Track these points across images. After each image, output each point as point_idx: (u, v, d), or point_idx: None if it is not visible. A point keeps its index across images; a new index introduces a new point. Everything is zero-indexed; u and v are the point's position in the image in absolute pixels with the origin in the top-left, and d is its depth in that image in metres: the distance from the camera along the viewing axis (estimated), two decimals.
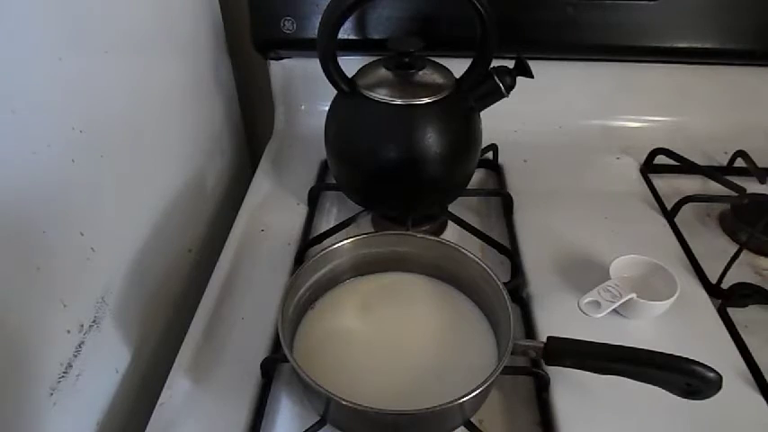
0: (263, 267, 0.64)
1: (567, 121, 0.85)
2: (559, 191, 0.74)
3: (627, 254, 0.60)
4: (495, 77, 0.60)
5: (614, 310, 0.56)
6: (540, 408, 0.52)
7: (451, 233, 0.70)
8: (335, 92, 0.63)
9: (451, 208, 0.69)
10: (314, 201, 0.73)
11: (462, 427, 0.48)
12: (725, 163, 0.79)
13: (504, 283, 0.52)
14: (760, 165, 0.75)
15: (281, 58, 0.82)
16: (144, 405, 0.53)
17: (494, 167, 0.79)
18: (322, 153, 0.68)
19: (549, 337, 0.48)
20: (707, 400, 0.44)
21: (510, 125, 0.81)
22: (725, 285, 0.61)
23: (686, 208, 0.70)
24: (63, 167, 0.46)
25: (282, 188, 0.75)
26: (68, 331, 0.47)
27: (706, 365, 0.43)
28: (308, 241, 0.66)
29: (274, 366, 0.54)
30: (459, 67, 0.63)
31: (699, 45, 0.77)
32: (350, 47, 0.76)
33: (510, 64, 0.60)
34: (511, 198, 0.71)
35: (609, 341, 0.47)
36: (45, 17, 0.43)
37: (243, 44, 0.82)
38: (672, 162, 0.77)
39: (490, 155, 0.79)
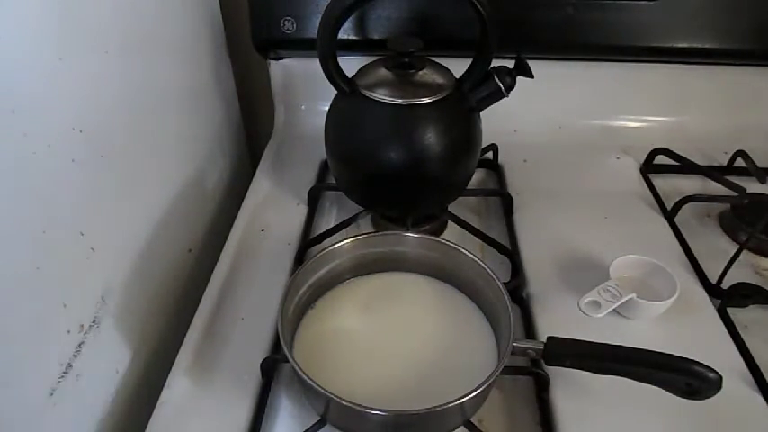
0: (263, 267, 0.64)
1: (567, 121, 0.85)
2: (559, 191, 0.74)
3: (627, 254, 0.60)
4: (495, 77, 0.60)
5: (614, 310, 0.56)
6: (540, 408, 0.52)
7: (451, 233, 0.70)
8: (335, 92, 0.63)
9: (451, 208, 0.69)
10: (314, 201, 0.73)
11: (462, 427, 0.48)
12: (725, 163, 0.79)
13: (504, 283, 0.52)
14: (760, 165, 0.75)
15: (281, 58, 0.82)
16: (144, 405, 0.53)
17: (494, 167, 0.79)
18: (322, 153, 0.68)
19: (549, 337, 0.48)
20: (707, 400, 0.44)
21: (510, 125, 0.81)
22: (725, 285, 0.61)
23: (686, 208, 0.70)
24: (63, 167, 0.46)
25: (282, 188, 0.75)
26: (68, 331, 0.47)
27: (706, 365, 0.43)
28: (308, 241, 0.66)
29: (274, 366, 0.54)
30: (459, 67, 0.63)
31: (699, 45, 0.77)
32: (350, 47, 0.76)
33: (510, 64, 0.60)
34: (511, 198, 0.71)
35: (609, 341, 0.47)
36: (45, 17, 0.43)
37: (243, 44, 0.82)
38: (672, 162, 0.77)
39: (490, 155, 0.79)
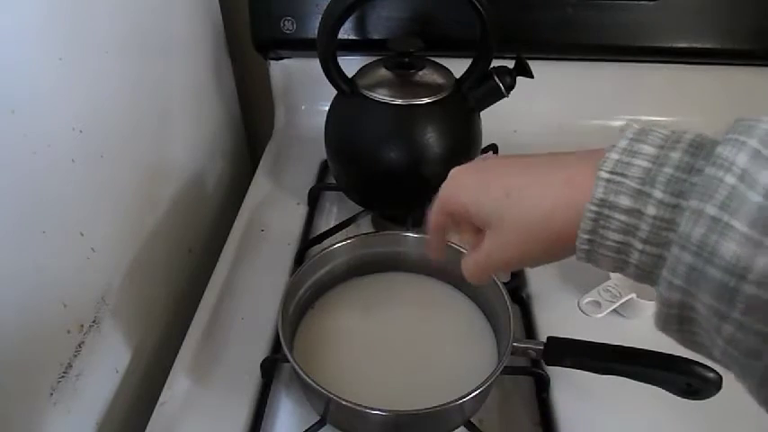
0: (263, 267, 0.64)
1: (566, 121, 0.85)
2: None
3: None
4: (495, 77, 0.60)
5: (614, 310, 0.56)
6: (540, 408, 0.52)
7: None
8: (335, 92, 0.63)
9: None
10: (314, 201, 0.73)
11: (462, 427, 0.48)
12: None
13: (504, 283, 0.52)
14: None
15: (281, 58, 0.82)
16: (144, 405, 0.53)
17: None
18: (322, 153, 0.68)
19: (549, 337, 0.48)
20: (707, 400, 0.44)
21: (510, 125, 0.81)
22: None
23: None
24: (63, 167, 0.46)
25: (282, 188, 0.75)
26: (68, 331, 0.47)
27: (706, 365, 0.43)
28: (308, 241, 0.66)
29: (274, 366, 0.54)
30: (459, 67, 0.63)
31: (699, 45, 0.77)
32: (350, 47, 0.76)
33: (510, 64, 0.60)
34: None
35: (609, 341, 0.47)
36: (45, 17, 0.43)
37: (243, 44, 0.82)
38: None
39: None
